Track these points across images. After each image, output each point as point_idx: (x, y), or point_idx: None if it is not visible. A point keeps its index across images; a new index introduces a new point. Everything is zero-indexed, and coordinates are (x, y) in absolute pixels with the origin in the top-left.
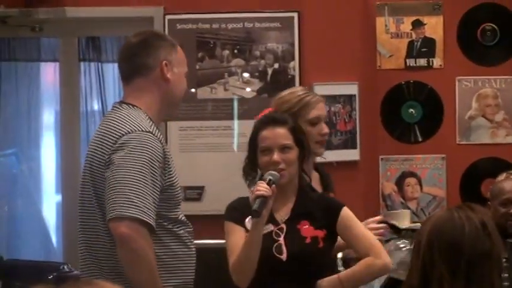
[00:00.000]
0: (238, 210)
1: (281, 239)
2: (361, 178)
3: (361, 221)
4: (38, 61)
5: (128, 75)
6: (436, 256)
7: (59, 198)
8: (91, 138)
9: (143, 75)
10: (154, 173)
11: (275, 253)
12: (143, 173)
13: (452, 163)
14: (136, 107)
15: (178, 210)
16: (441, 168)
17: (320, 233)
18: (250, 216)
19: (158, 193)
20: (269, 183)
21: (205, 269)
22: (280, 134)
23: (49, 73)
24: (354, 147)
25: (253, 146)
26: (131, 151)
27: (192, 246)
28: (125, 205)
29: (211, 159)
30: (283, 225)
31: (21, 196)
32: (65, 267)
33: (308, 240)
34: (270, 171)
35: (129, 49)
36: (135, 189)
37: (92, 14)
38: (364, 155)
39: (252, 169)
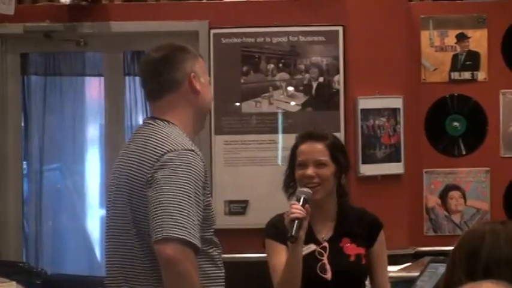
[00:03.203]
0: (278, 228)
1: (324, 258)
2: (405, 191)
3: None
4: (83, 75)
5: (156, 92)
6: (456, 263)
7: (103, 212)
8: (121, 152)
9: (173, 91)
10: (197, 192)
11: (319, 273)
12: (188, 192)
13: (497, 176)
14: (172, 123)
15: (212, 230)
16: (485, 181)
17: (362, 251)
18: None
19: (201, 213)
20: (303, 204)
21: (247, 282)
22: (317, 149)
23: (94, 87)
24: (398, 161)
25: (292, 159)
26: (175, 170)
27: (222, 267)
28: (171, 226)
29: (256, 173)
30: (326, 244)
31: (65, 210)
32: None
33: (353, 258)
34: (301, 189)
35: (153, 65)
36: (180, 210)
37: (136, 28)
38: (408, 168)
39: (290, 181)
